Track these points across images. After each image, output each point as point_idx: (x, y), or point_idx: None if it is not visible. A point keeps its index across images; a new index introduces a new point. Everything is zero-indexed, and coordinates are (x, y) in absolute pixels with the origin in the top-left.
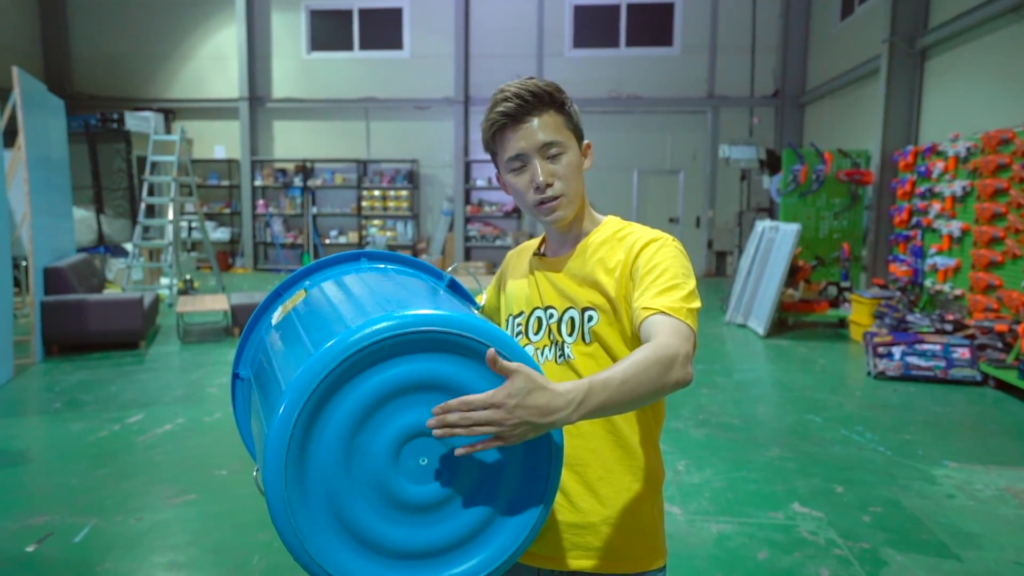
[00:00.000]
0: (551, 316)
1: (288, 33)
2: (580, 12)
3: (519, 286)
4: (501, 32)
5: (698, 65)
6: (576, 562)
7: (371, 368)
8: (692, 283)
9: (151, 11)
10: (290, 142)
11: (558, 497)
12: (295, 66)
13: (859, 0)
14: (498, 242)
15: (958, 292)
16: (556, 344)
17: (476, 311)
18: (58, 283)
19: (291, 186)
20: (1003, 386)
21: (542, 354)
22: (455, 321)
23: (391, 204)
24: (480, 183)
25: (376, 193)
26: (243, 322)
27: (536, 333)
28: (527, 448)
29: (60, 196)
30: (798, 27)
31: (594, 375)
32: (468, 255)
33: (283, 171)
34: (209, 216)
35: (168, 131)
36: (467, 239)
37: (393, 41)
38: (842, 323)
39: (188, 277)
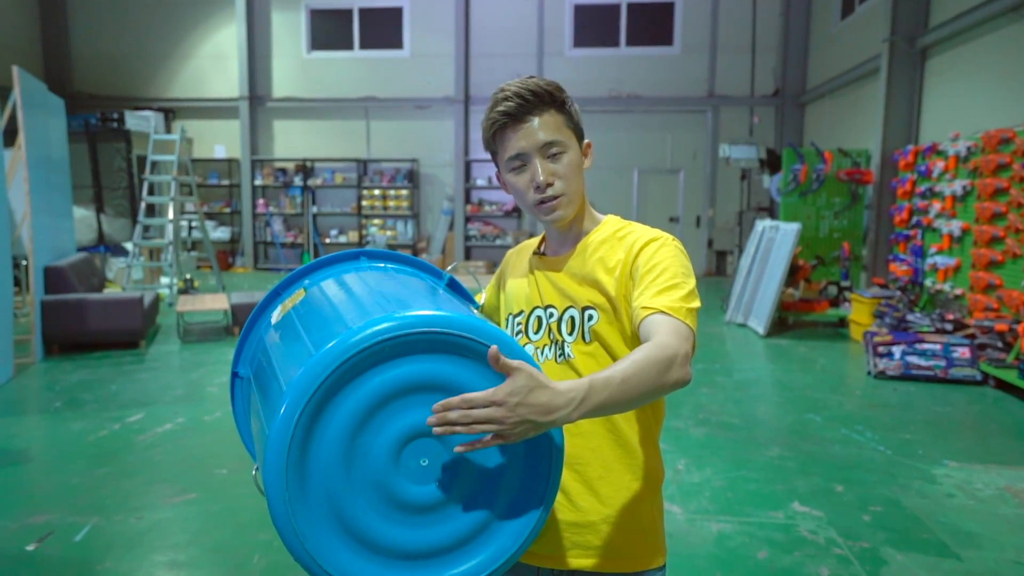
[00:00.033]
0: (551, 315)
1: (288, 32)
2: (580, 11)
3: (519, 285)
4: (501, 31)
5: (698, 64)
6: (576, 561)
7: (372, 369)
8: (692, 282)
9: (151, 10)
10: (290, 141)
11: (558, 496)
12: (295, 65)
13: None
14: (498, 241)
15: (958, 291)
16: (556, 343)
17: (475, 310)
18: (58, 282)
19: (291, 185)
20: (1003, 385)
21: (542, 353)
22: (456, 322)
23: (391, 203)
24: (480, 182)
25: (376, 192)
26: (243, 321)
27: (536, 332)
28: (528, 449)
29: (60, 195)
30: (798, 26)
31: (594, 374)
32: (468, 254)
33: (283, 170)
34: (209, 215)
35: (168, 130)
36: (467, 238)
37: (393, 40)
38: (842, 322)
39: (188, 276)
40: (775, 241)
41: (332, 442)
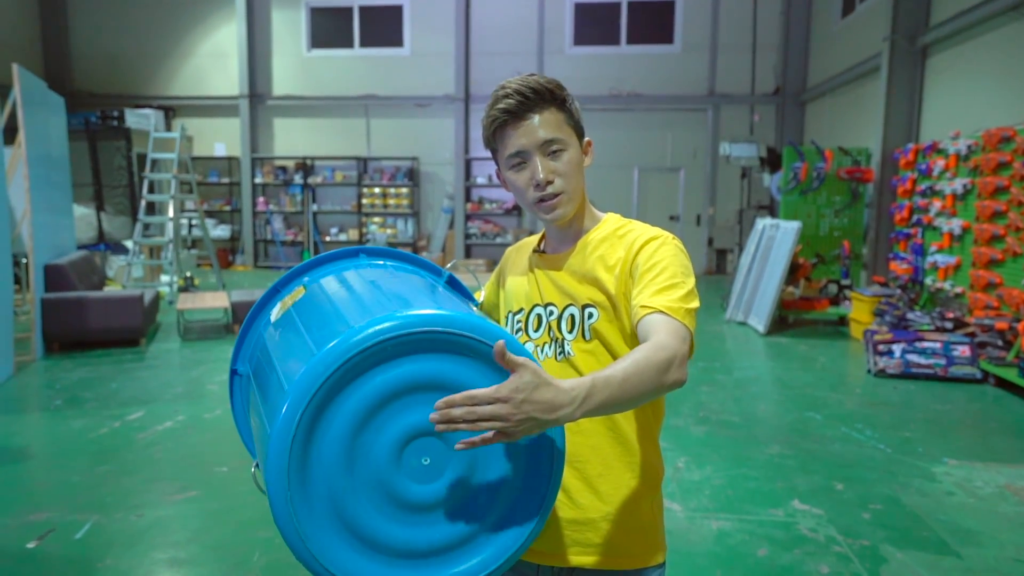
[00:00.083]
0: (551, 313)
1: (288, 30)
2: (581, 9)
3: (519, 283)
4: (502, 29)
5: (699, 63)
6: (576, 558)
7: (374, 368)
8: (691, 282)
9: (151, 8)
10: (290, 139)
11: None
12: (295, 63)
13: None
14: (498, 239)
15: (958, 290)
16: (556, 341)
17: (475, 308)
18: (58, 280)
19: (291, 183)
20: (1003, 384)
21: (542, 351)
22: (458, 321)
23: (391, 201)
24: (480, 181)
25: (376, 190)
26: (243, 319)
27: (536, 330)
28: (529, 449)
29: (60, 193)
30: (799, 25)
31: (596, 373)
32: (468, 252)
33: (283, 168)
34: (209, 213)
35: (168, 128)
36: (467, 236)
37: (393, 38)
38: (842, 321)
39: (188, 274)
40: (775, 239)
41: (334, 441)
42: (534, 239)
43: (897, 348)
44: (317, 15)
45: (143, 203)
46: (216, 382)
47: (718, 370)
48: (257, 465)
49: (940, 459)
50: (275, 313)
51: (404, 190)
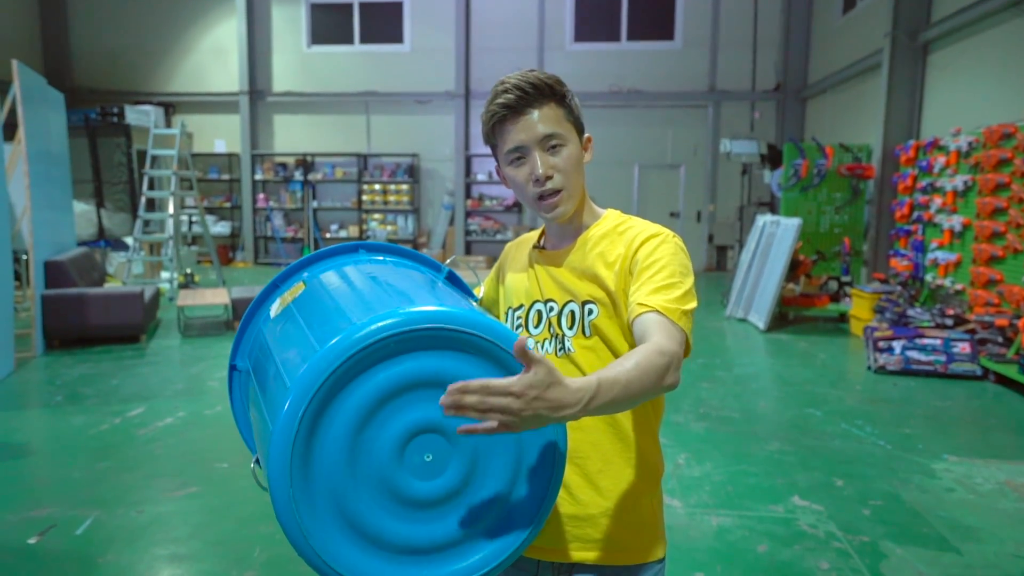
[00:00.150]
0: (551, 309)
1: (288, 26)
2: (581, 6)
3: (519, 279)
4: (502, 26)
5: (699, 59)
6: (576, 554)
7: (377, 365)
8: (689, 282)
9: (151, 5)
10: (290, 136)
11: None
12: (295, 60)
13: None
14: (499, 236)
15: (959, 287)
16: (556, 337)
17: (474, 304)
18: (59, 277)
19: (291, 180)
20: (1003, 380)
21: (542, 347)
22: (460, 318)
23: (392, 198)
24: (481, 177)
25: (377, 187)
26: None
27: (536, 326)
28: (532, 447)
29: (60, 190)
30: (800, 21)
31: (601, 374)
32: (469, 249)
33: (283, 165)
34: (209, 210)
35: (168, 125)
36: (468, 233)
37: (394, 35)
38: (842, 318)
39: (188, 271)
40: (776, 236)
41: (336, 438)
42: (534, 235)
43: (897, 345)
44: (317, 11)
45: (143, 199)
46: (216, 378)
47: (718, 367)
48: (256, 460)
49: (940, 455)
50: (275, 309)
51: (404, 187)
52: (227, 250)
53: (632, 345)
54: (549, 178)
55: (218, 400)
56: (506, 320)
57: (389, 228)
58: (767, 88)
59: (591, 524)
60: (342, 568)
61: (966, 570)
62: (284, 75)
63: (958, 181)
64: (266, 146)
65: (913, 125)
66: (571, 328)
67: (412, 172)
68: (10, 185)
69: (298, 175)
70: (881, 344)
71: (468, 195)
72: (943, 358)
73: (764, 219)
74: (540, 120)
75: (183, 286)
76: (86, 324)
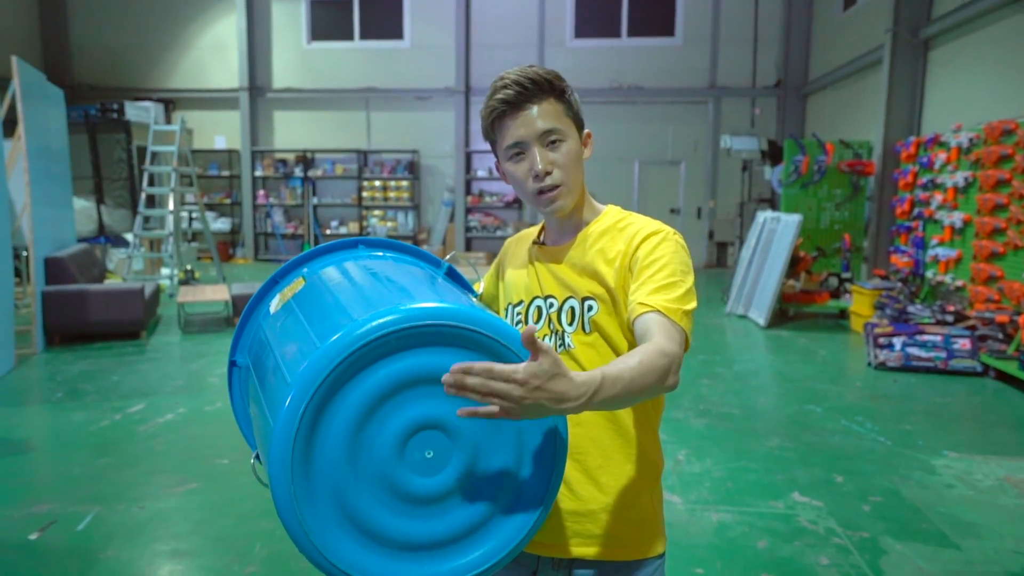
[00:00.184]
0: (551, 306)
1: (288, 23)
2: (581, 2)
3: (519, 275)
4: (502, 22)
5: (700, 55)
6: (577, 549)
7: (377, 362)
8: (690, 280)
9: (151, 1)
10: (290, 132)
11: None
12: (295, 56)
13: None
14: (499, 233)
15: (959, 283)
16: (556, 334)
17: (474, 300)
18: (59, 273)
19: (291, 176)
20: (1003, 377)
21: None
22: (461, 314)
23: (392, 194)
24: (481, 173)
25: (377, 183)
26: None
27: (536, 322)
28: (533, 442)
29: (60, 186)
30: (800, 17)
31: (605, 370)
32: (469, 245)
33: (283, 161)
34: (209, 206)
35: (168, 121)
36: (468, 229)
37: (394, 31)
38: (843, 314)
39: (189, 267)
40: (776, 232)
41: (337, 434)
42: (534, 231)
43: (897, 341)
44: (317, 7)
45: (143, 196)
46: (217, 375)
47: (718, 363)
48: (257, 456)
49: (940, 452)
50: (274, 304)
51: (404, 183)
52: (227, 246)
53: (632, 342)
54: (548, 173)
55: (218, 396)
56: (506, 316)
57: (389, 224)
58: (768, 84)
59: (591, 520)
60: (343, 564)
61: (966, 566)
62: (284, 71)
63: (959, 177)
64: (266, 142)
65: (914, 121)
66: (571, 324)
67: (412, 168)
68: (10, 181)
69: (298, 171)
70: (881, 340)
71: (468, 191)
72: (943, 354)
73: (764, 215)
74: (539, 116)
75: (183, 282)
76: (86, 320)
